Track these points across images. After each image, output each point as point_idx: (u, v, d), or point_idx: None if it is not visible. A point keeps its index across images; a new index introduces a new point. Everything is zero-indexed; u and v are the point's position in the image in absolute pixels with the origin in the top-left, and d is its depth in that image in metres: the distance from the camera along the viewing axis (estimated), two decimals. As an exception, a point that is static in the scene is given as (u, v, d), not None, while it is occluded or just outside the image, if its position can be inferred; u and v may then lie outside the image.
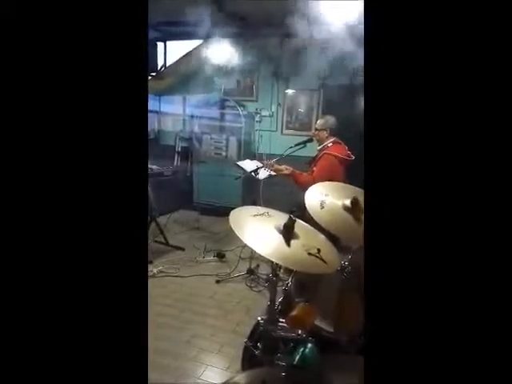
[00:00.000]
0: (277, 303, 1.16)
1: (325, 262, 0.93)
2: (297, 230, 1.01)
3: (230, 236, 3.62)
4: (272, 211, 1.13)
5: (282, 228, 0.98)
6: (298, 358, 0.91)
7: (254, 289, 2.53)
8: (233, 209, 1.08)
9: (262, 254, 0.90)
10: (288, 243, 0.95)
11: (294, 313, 0.92)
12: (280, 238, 0.97)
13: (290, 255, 0.92)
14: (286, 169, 2.40)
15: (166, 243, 3.24)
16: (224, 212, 4.88)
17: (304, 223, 1.10)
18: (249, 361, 1.32)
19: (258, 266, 2.80)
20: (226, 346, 1.86)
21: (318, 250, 0.94)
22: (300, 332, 1.02)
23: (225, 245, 3.34)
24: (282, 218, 1.09)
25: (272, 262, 1.03)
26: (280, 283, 1.27)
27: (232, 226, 0.99)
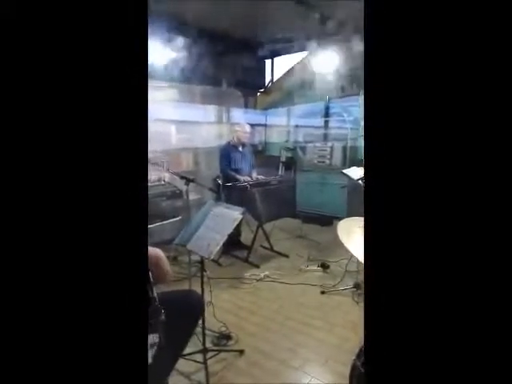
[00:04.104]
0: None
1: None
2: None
3: (334, 246, 3.53)
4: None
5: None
6: None
7: (361, 304, 2.39)
8: (337, 218, 1.06)
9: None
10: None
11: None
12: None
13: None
14: None
15: (271, 249, 3.37)
16: (327, 221, 4.76)
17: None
18: (357, 380, 1.26)
19: (365, 280, 2.64)
20: (331, 361, 1.81)
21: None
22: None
23: (328, 255, 3.27)
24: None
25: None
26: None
27: (340, 237, 0.97)
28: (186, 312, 1.30)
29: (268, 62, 5.05)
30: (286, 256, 3.29)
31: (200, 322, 1.61)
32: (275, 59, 5.02)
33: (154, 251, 1.16)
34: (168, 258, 3.34)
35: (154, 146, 3.33)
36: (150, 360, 1.29)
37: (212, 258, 1.51)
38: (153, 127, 3.52)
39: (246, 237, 3.46)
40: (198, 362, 1.68)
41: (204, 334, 1.69)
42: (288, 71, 5.01)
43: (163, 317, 1.01)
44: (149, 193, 2.96)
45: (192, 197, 3.10)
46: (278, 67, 5.06)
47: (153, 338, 1.01)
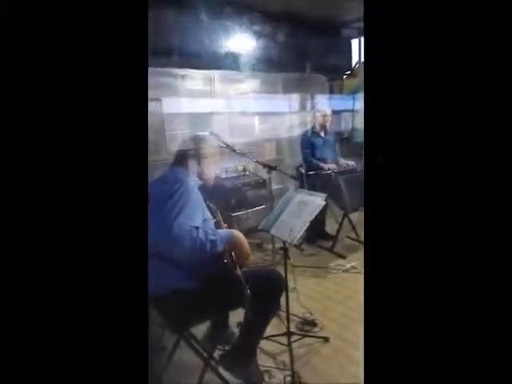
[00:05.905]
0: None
1: None
2: None
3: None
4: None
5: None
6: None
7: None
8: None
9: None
10: None
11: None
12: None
13: None
14: None
15: (358, 240, 3.21)
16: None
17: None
18: None
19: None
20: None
21: None
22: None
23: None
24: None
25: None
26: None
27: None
28: (268, 288, 1.34)
29: (355, 41, 4.75)
30: (375, 247, 3.09)
31: (283, 304, 1.64)
32: (362, 38, 4.69)
33: (232, 233, 1.24)
34: (253, 244, 3.48)
35: (238, 139, 3.48)
36: (237, 333, 1.39)
37: (295, 243, 1.52)
38: (238, 120, 3.70)
39: (330, 227, 3.37)
40: (283, 344, 1.73)
41: (288, 318, 1.72)
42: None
43: (249, 292, 1.07)
44: (234, 182, 3.12)
45: (275, 186, 3.16)
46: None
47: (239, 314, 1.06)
